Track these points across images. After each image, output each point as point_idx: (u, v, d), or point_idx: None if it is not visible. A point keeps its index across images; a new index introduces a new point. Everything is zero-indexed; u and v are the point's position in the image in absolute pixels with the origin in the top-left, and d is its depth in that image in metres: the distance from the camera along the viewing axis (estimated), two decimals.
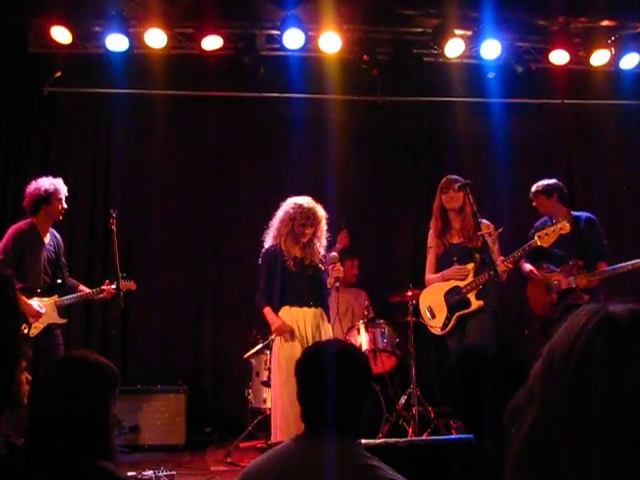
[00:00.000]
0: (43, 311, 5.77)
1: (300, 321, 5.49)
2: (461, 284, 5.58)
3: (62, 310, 6.00)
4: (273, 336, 5.58)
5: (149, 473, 5.19)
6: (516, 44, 7.69)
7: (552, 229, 5.41)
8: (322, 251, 5.72)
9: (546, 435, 0.96)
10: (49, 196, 5.90)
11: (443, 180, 5.74)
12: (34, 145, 7.90)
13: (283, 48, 7.39)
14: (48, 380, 2.30)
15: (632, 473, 0.89)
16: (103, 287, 6.11)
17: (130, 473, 5.10)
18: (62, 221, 6.20)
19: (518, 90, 8.10)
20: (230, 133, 8.35)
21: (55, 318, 5.92)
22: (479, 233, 5.27)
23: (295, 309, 5.53)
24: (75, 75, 7.69)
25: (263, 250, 5.69)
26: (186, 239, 8.06)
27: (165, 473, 5.25)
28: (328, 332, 5.63)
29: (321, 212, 5.67)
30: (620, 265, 5.73)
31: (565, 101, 8.35)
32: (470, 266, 5.57)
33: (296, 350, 5.30)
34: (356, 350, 2.77)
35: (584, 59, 7.72)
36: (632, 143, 8.58)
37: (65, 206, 6.02)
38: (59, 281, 6.07)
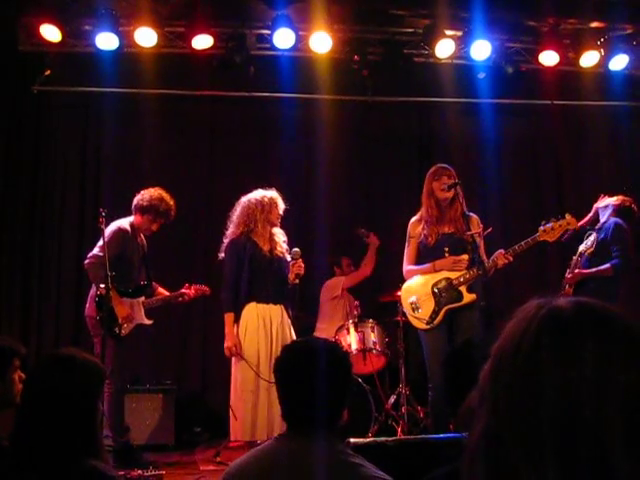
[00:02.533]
0: (133, 311, 5.89)
1: (267, 318, 5.47)
2: (452, 276, 5.32)
3: (148, 311, 6.10)
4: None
5: (138, 473, 5.17)
6: (506, 45, 7.71)
7: (558, 224, 5.30)
8: (284, 244, 5.71)
9: (498, 437, 0.95)
10: (144, 211, 6.04)
11: (434, 168, 5.56)
12: (23, 144, 7.87)
13: (273, 48, 7.38)
14: (35, 378, 2.29)
15: (584, 470, 0.89)
16: (183, 290, 6.19)
17: (118, 473, 5.09)
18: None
19: (508, 91, 8.12)
20: (220, 132, 8.35)
21: (143, 319, 6.02)
22: (468, 233, 5.24)
23: (262, 306, 5.50)
24: (65, 74, 7.66)
25: (227, 241, 5.62)
26: (175, 238, 8.03)
27: (154, 472, 5.24)
28: (291, 328, 5.62)
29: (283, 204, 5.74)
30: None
31: (554, 102, 8.37)
32: (466, 257, 5.32)
33: (260, 348, 5.35)
34: (336, 346, 2.77)
35: (574, 60, 7.74)
36: (621, 144, 8.62)
37: (154, 229, 6.13)
38: (144, 283, 6.15)
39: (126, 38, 7.18)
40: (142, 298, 6.07)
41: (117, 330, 5.78)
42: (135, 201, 6.09)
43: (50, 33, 7.02)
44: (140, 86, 7.74)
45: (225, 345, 5.46)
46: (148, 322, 6.09)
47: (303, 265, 5.58)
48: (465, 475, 1.01)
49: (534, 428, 0.91)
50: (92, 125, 8.13)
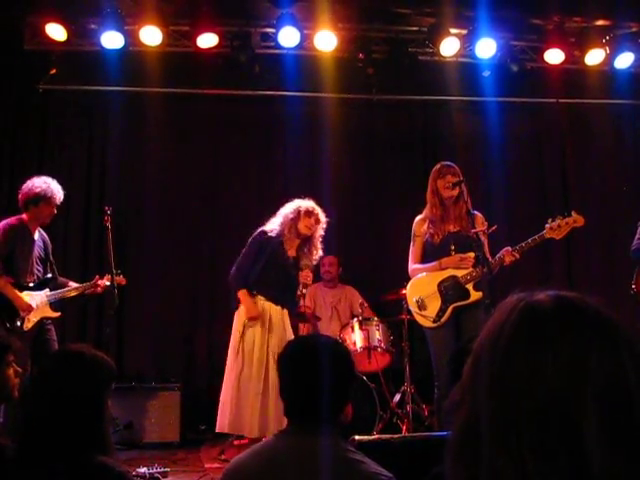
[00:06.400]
0: (34, 304, 5.76)
1: (266, 314, 5.59)
2: (459, 274, 5.29)
3: (54, 304, 6.00)
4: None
5: (143, 470, 5.19)
6: (511, 43, 7.70)
7: (565, 221, 5.24)
8: (316, 256, 5.85)
9: (477, 430, 0.96)
10: (38, 199, 5.84)
11: (438, 166, 5.52)
12: (29, 142, 7.89)
13: (278, 46, 7.39)
14: (44, 374, 2.30)
15: (561, 463, 0.90)
16: (93, 282, 6.14)
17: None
18: (49, 223, 6.14)
19: (513, 89, 8.11)
20: (225, 131, 8.35)
21: (48, 312, 5.92)
22: (473, 230, 5.21)
23: (269, 304, 5.61)
24: (70, 72, 7.67)
25: (260, 231, 5.77)
26: (181, 236, 8.06)
27: (159, 470, 5.25)
28: (289, 330, 5.75)
29: (323, 217, 5.84)
30: None
31: (560, 100, 8.36)
32: (472, 255, 5.27)
33: (256, 341, 5.40)
34: (338, 343, 2.79)
35: (579, 58, 7.74)
36: (626, 142, 8.61)
37: (54, 211, 5.96)
38: (49, 275, 6.06)
39: (131, 37, 7.20)
40: (46, 291, 5.96)
41: (19, 323, 5.66)
42: (22, 195, 5.87)
43: (56, 32, 7.04)
44: (145, 85, 7.76)
45: (248, 317, 5.56)
46: (54, 315, 5.99)
47: (311, 275, 5.72)
48: (448, 470, 1.02)
49: (511, 422, 0.92)
50: (97, 124, 8.14)
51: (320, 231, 5.87)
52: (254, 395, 5.42)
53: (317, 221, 5.78)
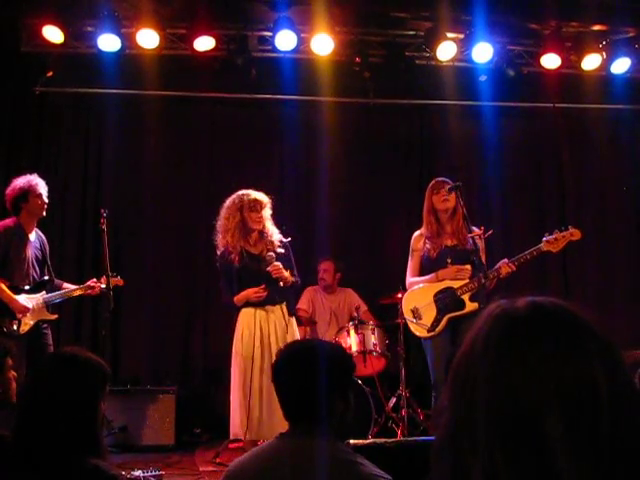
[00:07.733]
0: (30, 306, 5.73)
1: (264, 322, 5.45)
2: (455, 285, 5.35)
3: (51, 306, 5.98)
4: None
5: (138, 473, 5.17)
6: (508, 47, 7.71)
7: (562, 235, 5.30)
8: (277, 238, 5.59)
9: (454, 436, 0.98)
10: (25, 194, 5.82)
11: (433, 182, 5.57)
12: (25, 145, 7.88)
13: (275, 50, 7.39)
14: (38, 377, 2.30)
15: (527, 466, 0.91)
16: (90, 284, 6.12)
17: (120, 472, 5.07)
18: (46, 217, 6.12)
19: (510, 93, 8.12)
20: (222, 134, 8.35)
21: (45, 314, 5.89)
22: (469, 235, 5.22)
23: (259, 310, 5.47)
24: (67, 75, 7.67)
25: (219, 253, 5.55)
26: (177, 239, 8.06)
27: (154, 473, 5.23)
28: (294, 328, 5.61)
29: (266, 199, 5.58)
30: None
31: (556, 105, 8.37)
32: (468, 267, 5.33)
33: (255, 352, 5.33)
34: (338, 347, 2.79)
35: (576, 63, 7.74)
36: (623, 147, 8.62)
37: (46, 200, 5.92)
38: (46, 278, 6.04)
39: (128, 40, 7.19)
40: (42, 293, 5.92)
41: (15, 327, 5.65)
42: (8, 198, 5.86)
43: (52, 34, 7.03)
44: (142, 88, 7.76)
45: (256, 296, 5.41)
46: (51, 317, 5.97)
47: (279, 267, 5.42)
48: (433, 473, 1.04)
49: (483, 427, 0.94)
50: (94, 126, 8.14)
51: (269, 212, 5.61)
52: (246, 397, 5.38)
53: (263, 207, 5.51)
